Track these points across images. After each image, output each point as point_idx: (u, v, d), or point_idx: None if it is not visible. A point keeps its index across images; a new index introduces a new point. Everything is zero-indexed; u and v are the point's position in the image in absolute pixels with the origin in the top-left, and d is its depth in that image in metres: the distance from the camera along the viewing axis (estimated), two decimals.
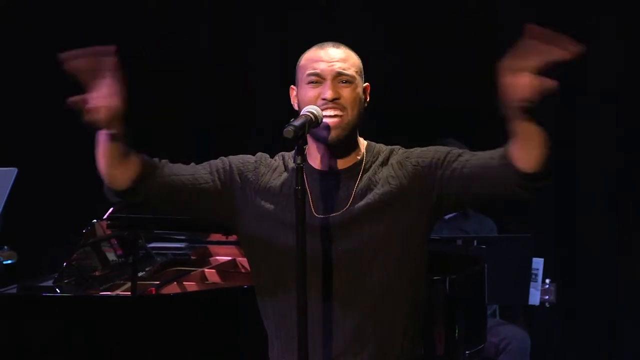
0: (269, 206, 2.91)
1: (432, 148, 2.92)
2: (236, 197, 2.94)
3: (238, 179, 2.95)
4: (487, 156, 2.81)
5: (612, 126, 6.51)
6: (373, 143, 2.98)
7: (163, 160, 2.94)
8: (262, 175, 2.95)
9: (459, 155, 2.87)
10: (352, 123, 2.87)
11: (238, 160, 2.99)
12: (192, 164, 2.99)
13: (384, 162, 2.92)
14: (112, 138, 2.77)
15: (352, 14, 6.74)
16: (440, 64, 6.62)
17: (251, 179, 2.95)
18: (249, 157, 3.01)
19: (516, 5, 6.57)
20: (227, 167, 2.96)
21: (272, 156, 3.02)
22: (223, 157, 3.00)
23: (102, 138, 2.78)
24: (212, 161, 2.99)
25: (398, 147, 2.99)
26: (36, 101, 6.77)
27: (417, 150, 2.93)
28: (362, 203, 2.86)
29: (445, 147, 2.92)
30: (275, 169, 2.96)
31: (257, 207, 2.92)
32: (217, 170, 2.96)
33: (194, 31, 6.87)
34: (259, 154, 3.02)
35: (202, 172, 2.95)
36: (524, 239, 5.78)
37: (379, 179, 2.89)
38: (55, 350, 4.18)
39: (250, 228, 2.92)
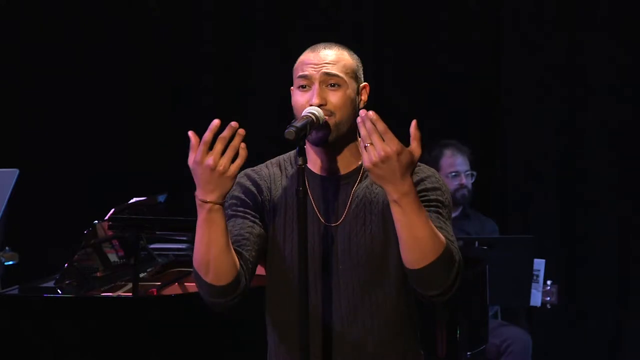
0: (278, 215, 2.85)
1: (435, 191, 2.82)
2: (264, 219, 2.86)
3: (260, 198, 2.86)
4: None
5: (614, 127, 6.50)
6: None
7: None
8: (266, 189, 2.87)
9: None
10: (342, 125, 2.78)
11: (242, 185, 2.87)
12: (234, 224, 2.81)
13: None
14: (222, 217, 2.64)
15: (352, 15, 6.73)
16: (441, 63, 6.62)
17: (265, 196, 2.87)
18: (244, 179, 2.89)
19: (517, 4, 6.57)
20: (249, 199, 2.85)
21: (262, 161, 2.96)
22: (234, 195, 2.85)
23: (214, 218, 2.63)
24: (238, 209, 2.84)
25: None
26: (37, 102, 6.77)
27: (427, 182, 2.81)
28: (360, 213, 2.81)
29: (437, 203, 2.79)
30: (275, 179, 2.89)
31: (271, 220, 2.86)
32: (251, 212, 2.83)
33: (194, 31, 6.87)
34: (243, 173, 2.89)
35: (248, 225, 2.82)
36: (526, 240, 5.78)
37: (380, 192, 2.80)
38: (57, 352, 4.18)
39: (270, 242, 2.86)
